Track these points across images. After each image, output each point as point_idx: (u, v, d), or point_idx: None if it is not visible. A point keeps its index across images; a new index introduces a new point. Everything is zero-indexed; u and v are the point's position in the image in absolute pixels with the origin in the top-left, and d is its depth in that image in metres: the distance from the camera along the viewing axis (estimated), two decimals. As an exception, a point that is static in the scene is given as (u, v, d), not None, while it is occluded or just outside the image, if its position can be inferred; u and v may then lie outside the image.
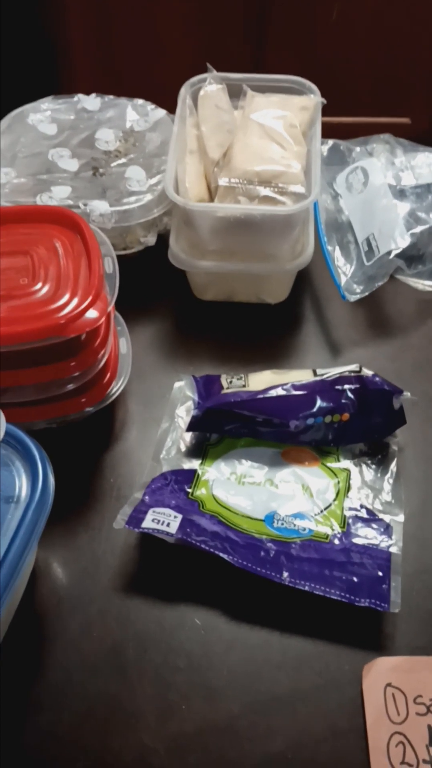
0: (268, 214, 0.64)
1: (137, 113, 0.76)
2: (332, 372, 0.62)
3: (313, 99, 0.73)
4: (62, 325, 0.53)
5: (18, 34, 1.16)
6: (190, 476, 0.60)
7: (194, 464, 0.61)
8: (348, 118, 1.33)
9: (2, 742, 0.49)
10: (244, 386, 0.62)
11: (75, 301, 0.54)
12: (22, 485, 0.48)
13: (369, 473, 0.61)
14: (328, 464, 0.61)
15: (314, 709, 0.50)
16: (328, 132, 0.73)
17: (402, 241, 0.70)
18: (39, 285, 0.55)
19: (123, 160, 0.72)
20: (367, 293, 0.71)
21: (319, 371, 0.63)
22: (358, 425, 0.61)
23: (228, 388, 0.62)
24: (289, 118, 0.69)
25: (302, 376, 0.63)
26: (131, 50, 1.26)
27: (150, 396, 0.67)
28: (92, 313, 0.54)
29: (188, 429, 0.62)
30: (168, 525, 0.55)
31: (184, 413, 0.64)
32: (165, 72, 1.04)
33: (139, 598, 0.55)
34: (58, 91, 0.79)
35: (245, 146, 0.67)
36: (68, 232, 0.59)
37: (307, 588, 0.53)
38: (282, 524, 0.57)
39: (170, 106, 0.76)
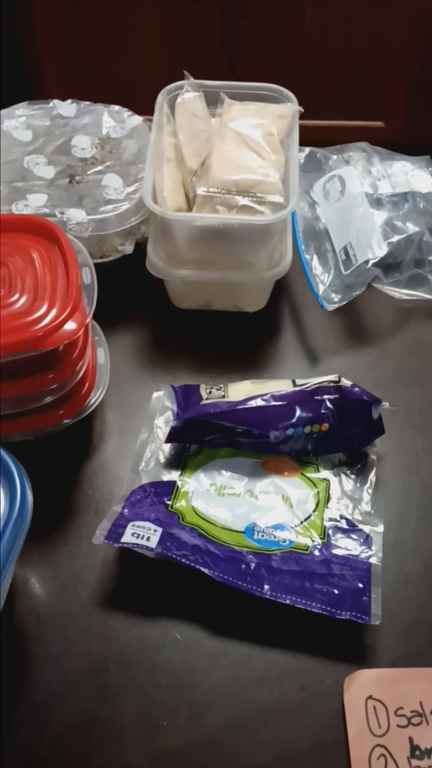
0: (247, 223, 0.64)
1: (113, 120, 0.75)
2: (311, 382, 0.62)
3: (291, 107, 0.72)
4: (40, 337, 0.52)
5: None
6: (170, 488, 0.59)
7: (174, 476, 0.61)
8: (321, 122, 1.34)
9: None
10: (223, 396, 0.62)
11: (53, 313, 0.53)
12: (-1, 502, 0.47)
13: (348, 483, 0.61)
14: (308, 474, 0.61)
15: (298, 723, 0.50)
16: (301, 135, 0.73)
17: (379, 250, 0.70)
18: (15, 296, 0.54)
19: (99, 168, 0.71)
20: (345, 302, 0.71)
21: (298, 381, 0.63)
22: (338, 435, 0.61)
23: (207, 398, 0.62)
24: (267, 127, 0.69)
25: (282, 386, 0.63)
26: (104, 56, 1.25)
27: (128, 406, 0.67)
28: (71, 325, 0.53)
29: (167, 440, 0.61)
30: (148, 539, 0.54)
31: (162, 424, 0.64)
32: (138, 78, 1.03)
33: (120, 614, 0.54)
34: (29, 97, 0.78)
35: (223, 155, 0.66)
36: (45, 241, 0.58)
37: (288, 601, 0.52)
38: (262, 536, 0.57)
39: (143, 112, 0.75)
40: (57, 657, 0.52)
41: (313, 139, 0.80)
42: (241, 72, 1.32)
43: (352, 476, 0.61)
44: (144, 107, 0.76)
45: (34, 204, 0.67)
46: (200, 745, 0.49)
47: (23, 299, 0.54)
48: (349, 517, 0.58)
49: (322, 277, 0.72)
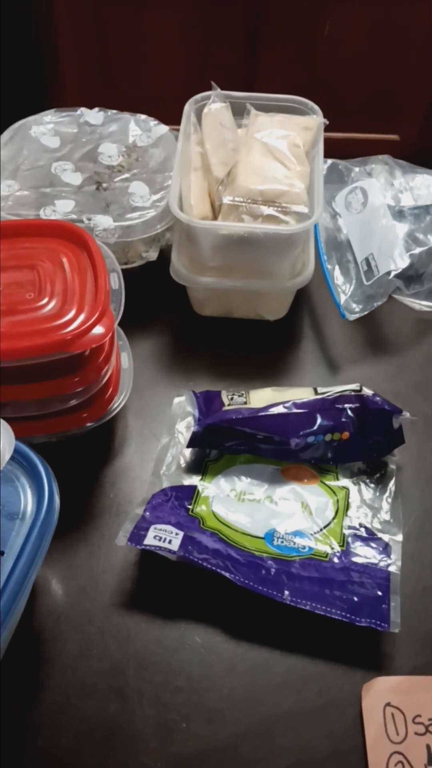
0: (272, 233, 0.64)
1: (140, 128, 0.76)
2: (333, 390, 0.63)
3: (316, 119, 0.73)
4: (68, 341, 0.53)
5: (7, 48, 1.15)
6: (190, 492, 0.60)
7: (194, 480, 0.61)
8: (337, 134, 1.35)
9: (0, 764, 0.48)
10: (245, 403, 0.63)
11: (82, 316, 0.54)
12: (27, 502, 0.48)
13: (368, 492, 0.61)
14: (327, 482, 0.61)
15: (316, 729, 0.50)
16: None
17: (401, 262, 0.71)
18: (45, 300, 0.55)
19: (126, 175, 0.72)
20: (366, 312, 0.71)
21: (319, 389, 0.63)
22: (358, 444, 0.62)
23: (229, 405, 0.63)
24: (293, 138, 0.70)
25: (303, 394, 0.63)
26: (124, 60, 1.26)
27: (149, 410, 0.67)
28: (99, 330, 0.54)
29: (189, 445, 0.62)
30: (170, 542, 0.55)
31: (184, 429, 0.64)
32: (157, 83, 1.04)
33: (139, 617, 0.55)
34: (47, 100, 0.79)
35: (249, 165, 0.67)
36: (74, 246, 0.59)
37: (308, 607, 0.53)
38: (282, 542, 0.57)
39: (161, 116, 0.76)
40: (75, 658, 0.53)
41: (329, 151, 0.80)
42: (259, 81, 1.33)
43: (372, 485, 0.61)
44: (162, 111, 0.77)
45: (62, 210, 0.68)
46: (217, 750, 0.49)
47: (53, 303, 0.55)
48: (369, 525, 0.59)
49: (343, 287, 0.73)
